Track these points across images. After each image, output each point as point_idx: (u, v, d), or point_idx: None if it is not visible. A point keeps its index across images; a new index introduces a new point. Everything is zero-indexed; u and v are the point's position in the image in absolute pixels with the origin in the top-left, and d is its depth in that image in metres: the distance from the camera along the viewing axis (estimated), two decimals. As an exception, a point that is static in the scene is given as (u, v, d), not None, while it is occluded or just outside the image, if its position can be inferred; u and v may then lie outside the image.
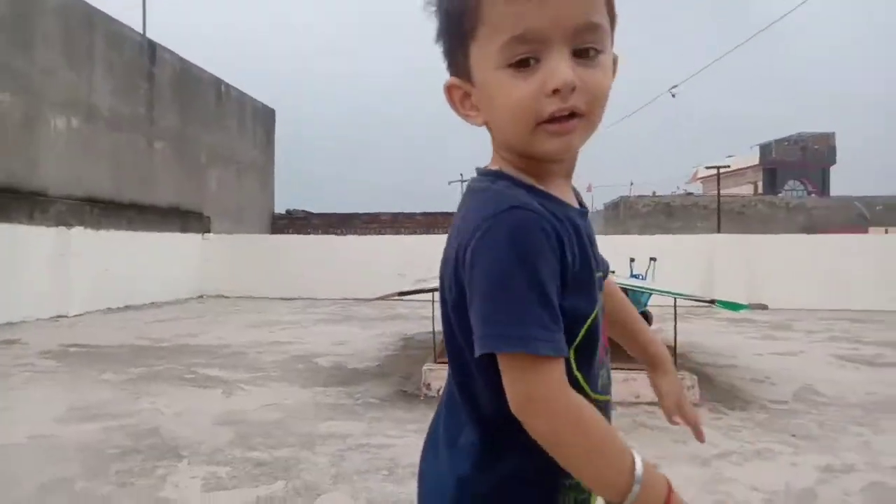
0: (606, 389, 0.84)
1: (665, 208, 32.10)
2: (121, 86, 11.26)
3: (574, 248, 0.73)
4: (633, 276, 8.35)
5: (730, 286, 10.88)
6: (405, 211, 19.98)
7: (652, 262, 8.44)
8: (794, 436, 3.54)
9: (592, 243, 0.80)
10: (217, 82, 14.96)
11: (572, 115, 0.70)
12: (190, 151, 13.62)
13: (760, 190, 37.10)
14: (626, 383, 4.29)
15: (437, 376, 4.44)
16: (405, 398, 4.39)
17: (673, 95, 16.37)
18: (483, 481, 0.76)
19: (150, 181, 12.11)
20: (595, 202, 43.03)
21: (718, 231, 18.87)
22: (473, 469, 0.77)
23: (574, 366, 0.76)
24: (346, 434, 3.51)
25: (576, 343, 0.75)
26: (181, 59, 13.42)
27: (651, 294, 7.75)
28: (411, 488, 1.84)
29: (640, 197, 34.01)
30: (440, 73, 0.81)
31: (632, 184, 40.16)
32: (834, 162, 38.83)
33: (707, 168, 26.72)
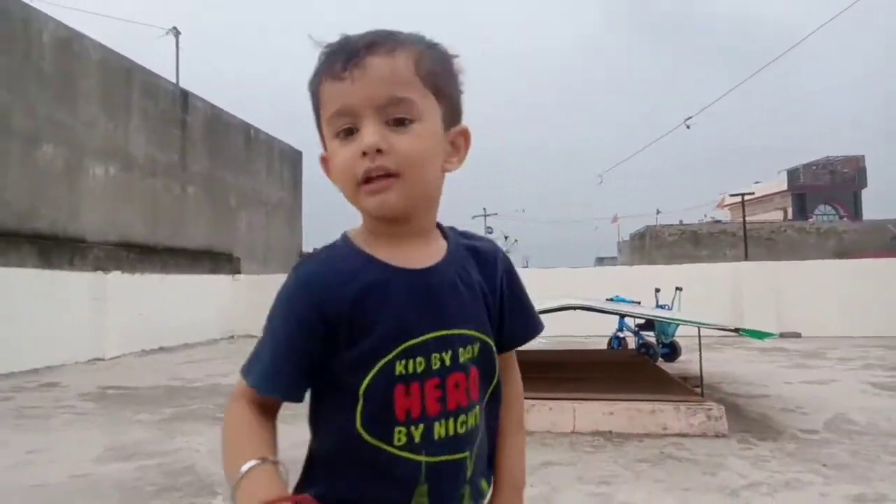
0: (423, 449, 0.80)
1: (692, 237, 31.77)
2: (155, 133, 11.75)
3: (346, 309, 0.80)
4: (658, 306, 8.32)
5: (759, 314, 10.72)
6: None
7: (678, 291, 8.41)
8: (825, 465, 3.49)
9: (417, 301, 0.83)
10: (246, 127, 15.48)
11: (388, 175, 0.79)
12: (220, 195, 14.04)
13: (790, 216, 36.54)
14: (652, 415, 4.29)
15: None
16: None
17: (688, 127, 16.36)
18: None
19: (182, 225, 12.50)
20: (621, 233, 42.74)
21: (746, 258, 18.60)
22: None
23: (358, 420, 0.79)
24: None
25: (360, 395, 0.80)
26: (212, 106, 13.94)
27: (677, 325, 7.71)
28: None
29: (666, 226, 33.76)
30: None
31: (658, 212, 39.89)
32: (865, 185, 38.12)
33: (732, 196, 26.44)
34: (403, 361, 0.80)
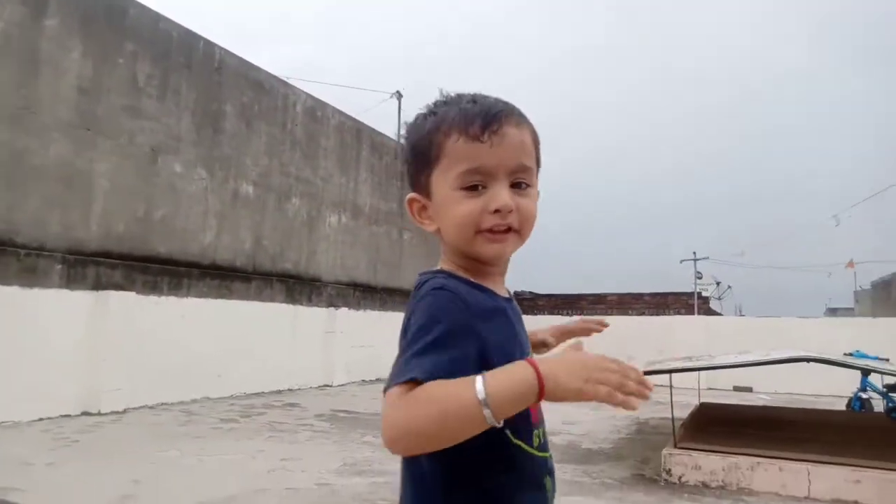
0: (544, 448, 0.97)
1: (956, 285, 26.63)
2: (379, 186, 13.13)
3: (487, 319, 0.91)
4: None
5: None
6: (632, 291, 19.47)
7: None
8: None
9: (518, 321, 1.00)
10: (454, 177, 16.58)
11: (508, 229, 0.93)
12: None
13: None
14: None
15: (678, 462, 4.31)
16: (644, 482, 4.32)
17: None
18: None
19: (399, 267, 13.67)
20: (859, 281, 37.29)
21: None
22: None
23: (507, 429, 0.86)
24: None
25: None
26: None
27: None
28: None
29: (920, 272, 28.67)
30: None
31: (908, 257, 34.05)
32: None
33: None
34: None
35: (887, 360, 7.21)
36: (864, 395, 7.60)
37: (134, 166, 7.92)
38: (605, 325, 1.47)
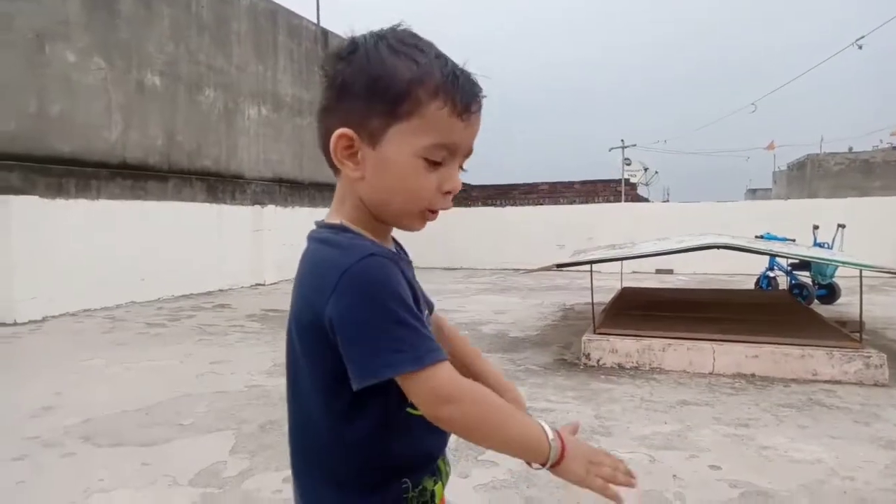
0: None
1: (863, 166, 28.44)
2: (299, 74, 12.37)
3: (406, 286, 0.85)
4: (816, 244, 7.67)
5: (940, 255, 9.51)
6: (563, 180, 19.77)
7: (840, 228, 7.67)
8: None
9: (415, 284, 0.93)
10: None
11: None
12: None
13: None
14: (802, 360, 4.08)
15: (596, 346, 4.53)
16: (565, 366, 4.55)
17: (859, 47, 14.26)
18: None
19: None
20: (777, 162, 39.14)
21: (930, 191, 16.35)
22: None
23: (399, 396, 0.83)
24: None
25: None
26: (350, 44, 14.36)
27: (836, 266, 7.09)
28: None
29: (831, 154, 30.39)
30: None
31: (822, 139, 35.88)
32: None
33: (917, 118, 23.05)
34: None
35: (794, 240, 7.69)
36: (771, 274, 8.16)
37: (18, 56, 7.11)
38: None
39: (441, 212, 0.90)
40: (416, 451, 0.90)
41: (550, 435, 0.82)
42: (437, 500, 0.93)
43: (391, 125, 0.83)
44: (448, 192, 0.87)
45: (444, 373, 0.80)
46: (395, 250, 0.96)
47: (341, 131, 0.85)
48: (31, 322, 6.64)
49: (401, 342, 0.78)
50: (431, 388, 0.79)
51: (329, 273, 0.80)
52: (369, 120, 0.84)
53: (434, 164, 0.84)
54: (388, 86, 0.82)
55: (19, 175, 7.04)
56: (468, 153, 0.89)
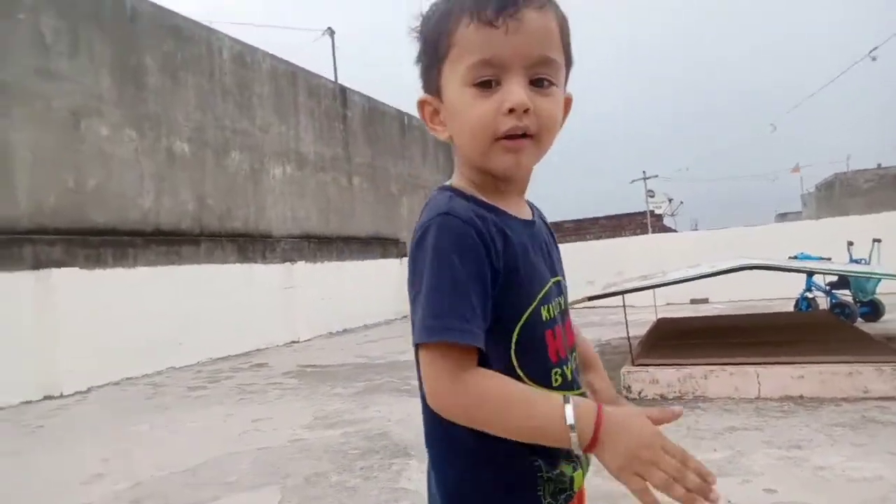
0: (569, 385, 0.87)
1: (894, 181, 27.88)
2: (321, 132, 12.74)
3: (500, 252, 0.79)
4: (852, 261, 7.50)
5: None
6: (588, 217, 19.75)
7: (876, 243, 7.50)
8: None
9: (536, 251, 0.86)
10: (400, 115, 16.20)
11: (524, 135, 0.78)
12: (383, 183, 14.91)
13: None
14: (850, 377, 3.96)
15: (636, 378, 4.46)
16: (606, 401, 4.47)
17: (873, 59, 14.21)
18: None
19: (351, 214, 13.48)
20: (805, 185, 38.61)
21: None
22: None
23: (515, 363, 0.80)
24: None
25: (513, 341, 0.81)
26: (368, 98, 14.77)
27: (878, 280, 6.91)
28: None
29: (859, 171, 29.91)
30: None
31: (849, 157, 35.37)
32: None
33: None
34: (546, 307, 0.85)
35: (829, 259, 7.54)
36: (809, 295, 7.97)
37: (55, 133, 7.47)
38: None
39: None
40: None
41: (570, 418, 0.71)
42: (575, 487, 0.85)
43: (441, 69, 0.81)
44: (512, 111, 0.76)
45: (453, 354, 0.74)
46: (505, 212, 0.85)
47: (420, 98, 0.86)
48: (77, 393, 6.75)
49: (425, 308, 0.74)
50: (426, 365, 0.77)
51: (414, 230, 0.81)
52: (430, 75, 0.84)
53: (486, 88, 0.77)
54: (429, 34, 0.83)
55: (61, 248, 7.30)
56: (534, 63, 0.77)
